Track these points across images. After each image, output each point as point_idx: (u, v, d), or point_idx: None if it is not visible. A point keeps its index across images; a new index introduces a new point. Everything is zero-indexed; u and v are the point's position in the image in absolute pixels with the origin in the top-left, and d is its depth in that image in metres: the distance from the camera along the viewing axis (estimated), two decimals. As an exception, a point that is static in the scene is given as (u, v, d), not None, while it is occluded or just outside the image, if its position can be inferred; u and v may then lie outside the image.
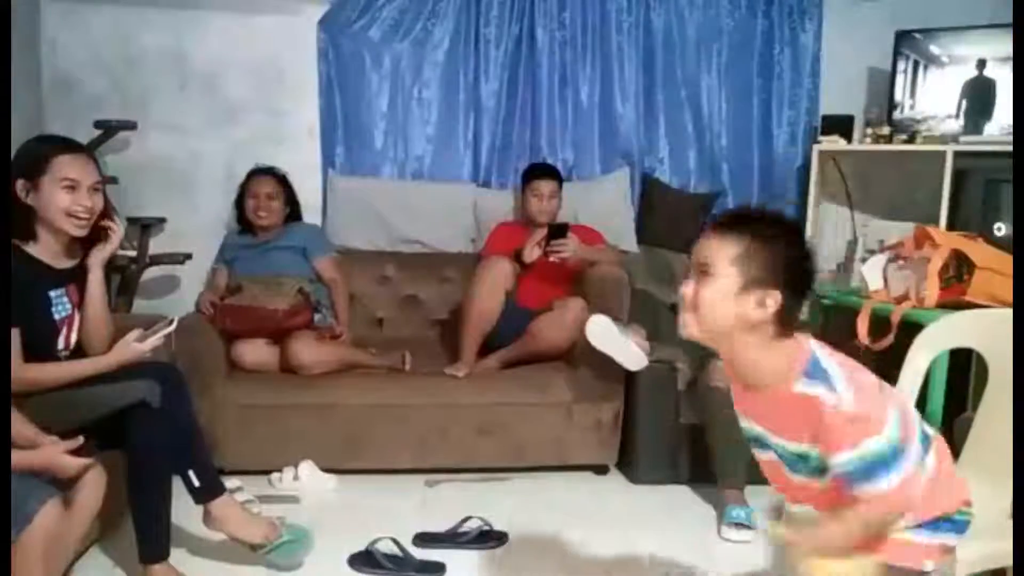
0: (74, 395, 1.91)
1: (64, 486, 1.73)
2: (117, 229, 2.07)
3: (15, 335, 1.85)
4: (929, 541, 1.31)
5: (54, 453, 1.69)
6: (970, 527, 1.34)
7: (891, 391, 1.35)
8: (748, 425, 1.42)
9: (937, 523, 1.33)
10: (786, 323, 1.28)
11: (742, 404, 1.41)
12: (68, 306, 2.02)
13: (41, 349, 1.95)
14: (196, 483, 2.06)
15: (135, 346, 1.96)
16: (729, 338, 1.30)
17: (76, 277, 2.05)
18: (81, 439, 1.70)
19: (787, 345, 1.29)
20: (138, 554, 1.99)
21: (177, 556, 2.11)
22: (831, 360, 1.28)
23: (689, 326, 1.31)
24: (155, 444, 1.95)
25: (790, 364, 1.28)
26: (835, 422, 1.22)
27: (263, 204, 3.14)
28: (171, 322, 2.01)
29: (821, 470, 1.30)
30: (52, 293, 1.98)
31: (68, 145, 1.98)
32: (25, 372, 1.86)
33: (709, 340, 1.32)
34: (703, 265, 1.29)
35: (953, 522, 1.34)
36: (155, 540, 1.98)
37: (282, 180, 3.22)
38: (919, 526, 1.32)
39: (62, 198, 1.91)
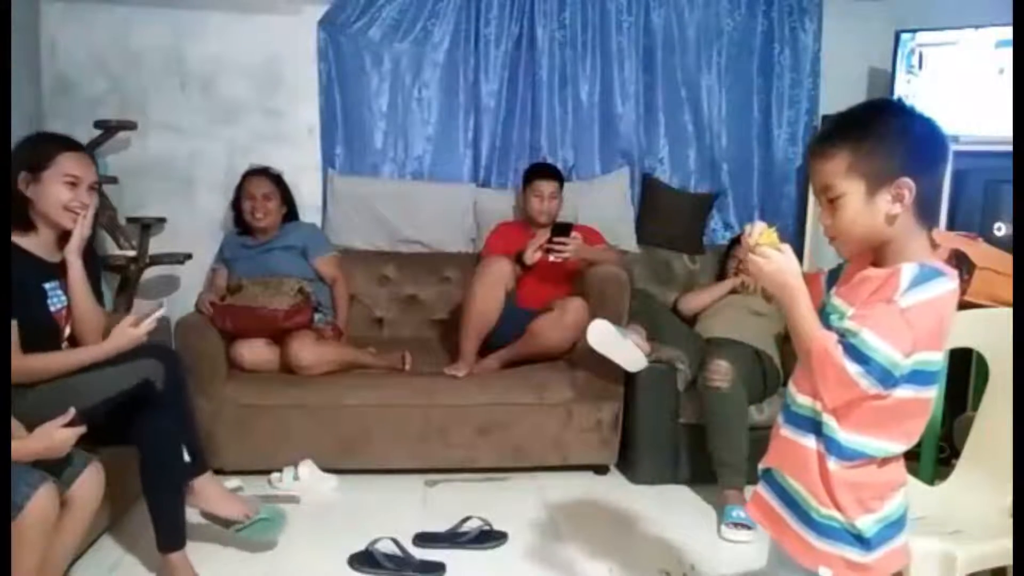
0: (80, 380, 1.96)
1: (59, 472, 1.73)
2: (83, 217, 2.04)
3: (12, 327, 1.88)
4: (828, 549, 1.26)
5: (49, 430, 1.70)
6: (880, 549, 1.27)
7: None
8: (830, 298, 1.36)
9: (839, 530, 1.27)
10: (927, 207, 1.24)
11: (848, 279, 1.35)
12: (64, 298, 2.06)
13: (44, 341, 1.98)
14: (186, 459, 2.12)
15: (131, 331, 2.00)
16: (882, 240, 1.26)
17: (67, 271, 2.09)
18: (73, 411, 1.72)
19: (926, 237, 1.27)
20: (157, 543, 2.05)
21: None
22: (943, 288, 1.21)
23: (842, 251, 1.31)
24: (167, 434, 2.04)
25: (923, 251, 1.25)
26: (882, 295, 1.20)
27: (259, 205, 3.14)
28: (161, 305, 2.10)
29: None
30: (47, 285, 2.03)
31: (73, 144, 2.07)
32: (26, 362, 1.91)
33: (863, 251, 1.30)
34: (825, 190, 1.26)
35: (859, 538, 1.26)
36: (174, 527, 2.05)
37: (277, 180, 3.22)
38: (819, 530, 1.27)
39: (63, 192, 1.98)
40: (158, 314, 2.05)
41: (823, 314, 1.35)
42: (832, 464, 1.27)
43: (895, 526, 1.29)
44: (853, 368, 1.18)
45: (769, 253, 1.24)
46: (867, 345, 1.18)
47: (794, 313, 1.24)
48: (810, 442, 1.29)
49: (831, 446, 1.27)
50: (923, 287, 1.19)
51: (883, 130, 1.24)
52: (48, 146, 2.02)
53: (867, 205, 1.23)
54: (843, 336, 1.21)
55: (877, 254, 1.30)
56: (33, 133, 2.18)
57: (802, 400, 1.32)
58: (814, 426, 1.29)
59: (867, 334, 1.18)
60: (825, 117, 3.57)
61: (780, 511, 1.35)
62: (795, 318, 1.24)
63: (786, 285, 1.25)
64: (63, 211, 1.99)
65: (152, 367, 2.04)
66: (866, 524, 1.26)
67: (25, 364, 1.90)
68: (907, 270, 1.21)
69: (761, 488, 1.41)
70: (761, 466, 1.42)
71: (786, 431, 1.35)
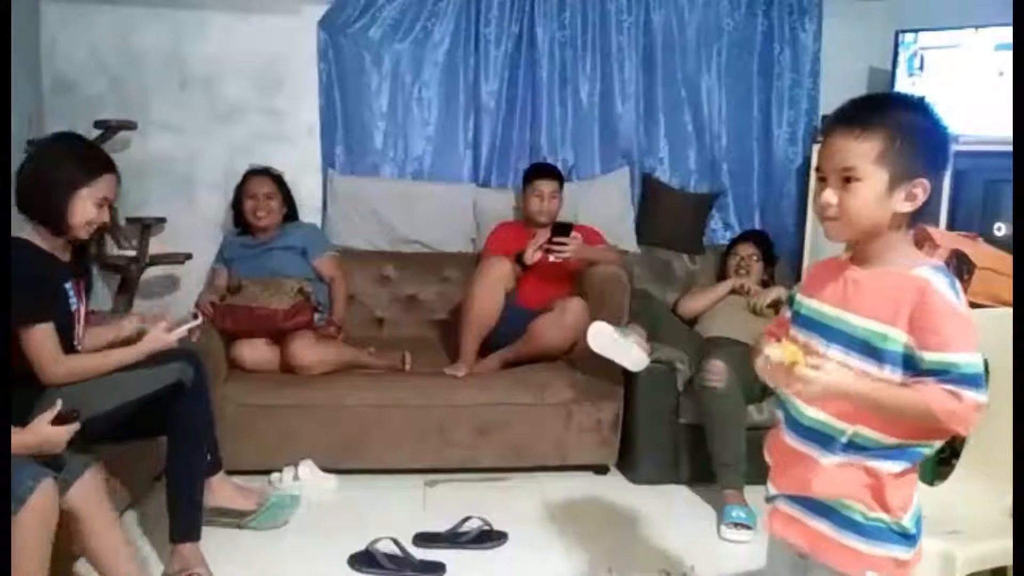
0: (113, 380, 2.01)
1: (57, 467, 1.73)
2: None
3: (50, 329, 1.93)
4: (878, 552, 1.24)
5: (39, 425, 1.71)
6: (918, 541, 1.27)
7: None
8: (811, 305, 1.33)
9: (886, 531, 1.25)
10: (926, 210, 1.24)
11: (826, 282, 1.33)
12: (75, 299, 2.08)
13: (64, 340, 2.00)
14: (208, 458, 2.26)
15: (164, 336, 2.09)
16: (876, 234, 1.25)
17: (76, 272, 2.11)
18: (60, 402, 1.74)
19: (911, 236, 1.28)
20: (171, 532, 2.08)
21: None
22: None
23: (837, 233, 1.28)
24: (198, 427, 2.14)
25: (910, 249, 1.26)
26: (942, 309, 1.18)
27: (261, 204, 3.14)
28: (195, 316, 2.20)
29: (883, 355, 1.23)
30: (66, 285, 2.05)
31: (114, 166, 2.10)
32: (68, 364, 1.97)
33: (854, 239, 1.29)
34: (846, 170, 1.22)
35: (905, 535, 1.26)
36: (191, 519, 2.09)
37: (278, 179, 3.22)
38: (867, 534, 1.25)
39: (92, 212, 2.01)
40: (191, 324, 2.14)
41: (802, 318, 1.34)
42: (894, 468, 1.25)
43: (920, 520, 1.30)
44: (976, 396, 1.17)
45: (806, 376, 1.19)
46: (974, 367, 1.18)
47: (867, 399, 1.21)
48: (853, 459, 1.26)
49: (913, 457, 1.26)
50: (957, 287, 1.21)
51: (918, 128, 1.24)
52: (98, 163, 2.05)
53: (883, 198, 1.22)
54: (939, 374, 1.18)
55: (860, 246, 1.29)
56: (84, 139, 2.20)
57: (843, 426, 1.26)
58: (844, 443, 1.26)
59: (969, 356, 1.17)
60: (825, 117, 3.56)
61: (813, 524, 1.30)
62: (874, 402, 1.21)
63: (840, 391, 1.21)
64: (85, 226, 2.02)
65: (182, 369, 2.10)
66: (908, 520, 1.26)
67: (67, 365, 1.96)
68: (934, 277, 1.21)
69: (782, 506, 1.36)
70: (776, 492, 1.38)
71: (831, 460, 1.27)
